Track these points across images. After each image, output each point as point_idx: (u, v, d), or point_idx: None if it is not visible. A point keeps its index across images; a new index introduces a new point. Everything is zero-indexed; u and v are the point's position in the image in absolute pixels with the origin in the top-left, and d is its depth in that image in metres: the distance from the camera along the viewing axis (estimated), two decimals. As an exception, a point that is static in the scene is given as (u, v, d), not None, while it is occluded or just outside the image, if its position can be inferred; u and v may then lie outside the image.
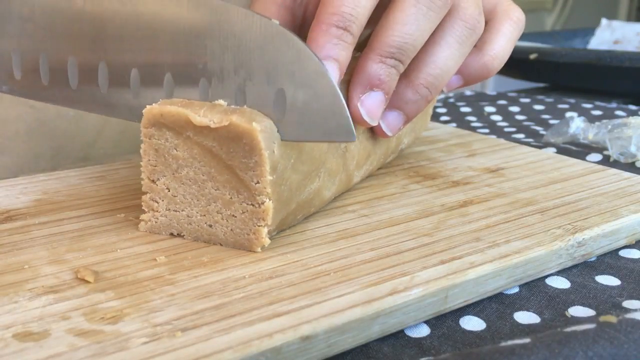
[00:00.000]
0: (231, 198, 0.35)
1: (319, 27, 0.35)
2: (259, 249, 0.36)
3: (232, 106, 0.35)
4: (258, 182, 0.34)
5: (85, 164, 0.58)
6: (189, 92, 0.36)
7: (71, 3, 0.38)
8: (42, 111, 0.57)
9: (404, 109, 0.41)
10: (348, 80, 0.39)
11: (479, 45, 0.43)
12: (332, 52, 0.35)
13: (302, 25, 0.43)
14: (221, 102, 0.35)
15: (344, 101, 0.32)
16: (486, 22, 0.43)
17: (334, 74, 0.35)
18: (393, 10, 0.38)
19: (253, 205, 0.35)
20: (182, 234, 0.37)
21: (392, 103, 0.40)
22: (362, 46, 0.39)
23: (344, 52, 0.36)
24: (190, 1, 0.35)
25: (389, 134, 0.42)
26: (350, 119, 0.32)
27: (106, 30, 0.37)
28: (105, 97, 0.38)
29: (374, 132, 0.43)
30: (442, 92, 0.44)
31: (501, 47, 0.43)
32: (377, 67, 0.37)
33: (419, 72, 0.40)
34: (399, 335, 0.32)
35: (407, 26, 0.37)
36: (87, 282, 0.32)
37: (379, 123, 0.40)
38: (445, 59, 0.40)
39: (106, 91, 0.38)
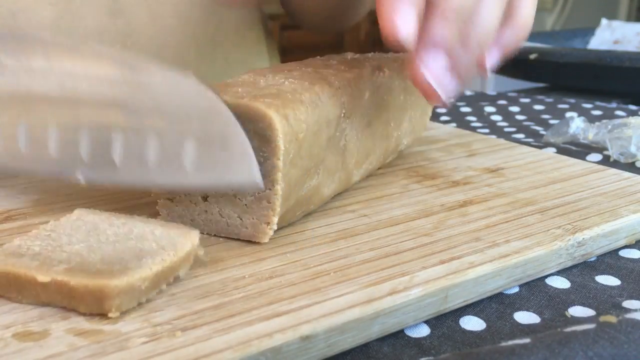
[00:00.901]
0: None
1: None
2: (266, 239, 0.36)
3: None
4: (273, 166, 0.35)
5: None
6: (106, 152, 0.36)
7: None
8: None
9: (461, 71, 0.39)
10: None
11: (507, 15, 0.42)
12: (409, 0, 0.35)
13: None
14: None
15: (253, 155, 0.33)
16: None
17: (412, 20, 0.35)
18: None
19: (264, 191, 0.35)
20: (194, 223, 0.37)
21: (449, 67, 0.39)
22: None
23: (419, 2, 0.36)
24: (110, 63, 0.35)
25: (445, 98, 0.39)
26: (258, 170, 0.34)
27: (40, 98, 0.37)
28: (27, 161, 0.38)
29: (426, 97, 0.40)
30: (486, 75, 0.43)
31: (527, 14, 0.44)
32: (441, 26, 0.37)
33: (470, 32, 0.39)
34: (399, 335, 0.32)
35: None
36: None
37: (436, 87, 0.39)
38: (490, 16, 0.39)
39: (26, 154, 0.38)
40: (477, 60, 0.41)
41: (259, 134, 0.34)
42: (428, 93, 0.38)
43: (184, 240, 0.33)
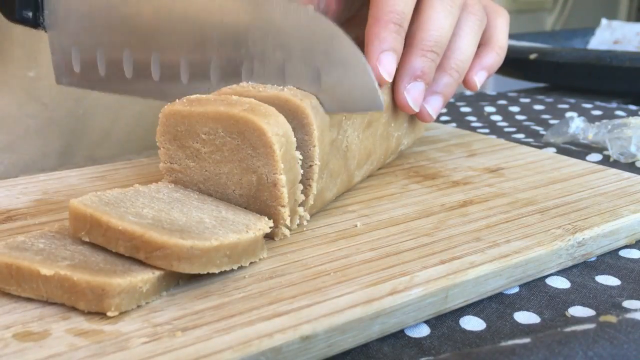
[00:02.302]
0: None
1: (379, 23, 0.41)
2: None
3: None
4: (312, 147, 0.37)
5: (92, 164, 0.58)
6: (234, 76, 0.40)
7: (125, 0, 0.42)
8: (53, 109, 0.57)
9: (443, 92, 0.47)
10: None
11: (485, 41, 0.51)
12: (393, 44, 0.41)
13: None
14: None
15: (373, 76, 0.37)
16: None
17: (393, 63, 0.41)
18: (425, 10, 0.45)
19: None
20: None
21: (432, 89, 0.47)
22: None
23: (399, 44, 0.42)
24: None
25: (434, 116, 0.48)
26: (379, 91, 0.37)
27: (157, 25, 0.41)
28: (158, 85, 0.43)
29: (417, 117, 0.48)
30: (475, 89, 0.51)
31: (503, 39, 0.52)
32: (420, 61, 0.44)
33: (449, 60, 0.47)
34: (399, 335, 0.32)
35: (439, 22, 0.44)
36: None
37: (424, 108, 0.46)
38: (467, 46, 0.48)
39: (158, 80, 0.43)
40: (465, 82, 0.50)
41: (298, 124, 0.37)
42: (409, 112, 0.45)
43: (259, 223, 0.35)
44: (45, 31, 0.46)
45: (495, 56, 0.51)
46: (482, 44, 0.51)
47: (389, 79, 0.41)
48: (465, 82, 0.50)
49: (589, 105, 0.85)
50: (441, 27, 0.44)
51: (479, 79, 0.50)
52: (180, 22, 0.41)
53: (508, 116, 0.81)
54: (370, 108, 0.38)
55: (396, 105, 0.45)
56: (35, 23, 0.45)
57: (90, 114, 0.60)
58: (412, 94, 0.44)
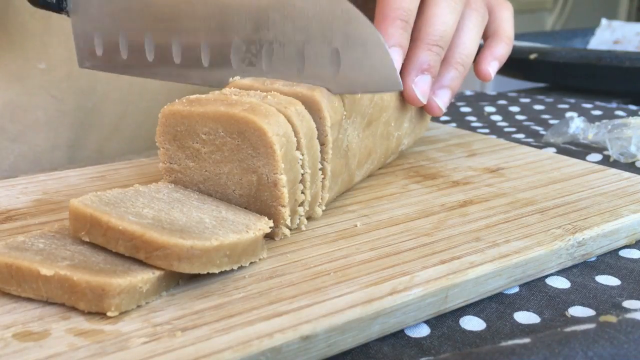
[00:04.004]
0: None
1: (386, 20, 0.43)
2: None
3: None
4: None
5: (100, 158, 0.58)
6: (255, 58, 0.41)
7: None
8: (63, 102, 0.57)
9: (450, 85, 0.49)
10: None
11: (493, 33, 0.53)
12: (399, 40, 0.43)
13: None
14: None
15: (391, 56, 0.37)
16: (488, 12, 0.52)
17: (400, 58, 0.43)
18: (430, 6, 0.46)
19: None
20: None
21: (439, 83, 0.48)
22: None
23: (406, 40, 0.43)
24: None
25: (444, 109, 0.49)
26: (397, 71, 0.38)
27: (179, 10, 0.42)
28: (180, 68, 0.43)
29: (427, 111, 0.49)
30: (489, 79, 0.52)
31: (510, 29, 0.54)
32: (426, 55, 0.45)
33: (454, 54, 0.49)
34: (399, 335, 0.32)
35: (444, 18, 0.46)
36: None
37: (433, 101, 0.48)
38: (470, 41, 0.49)
39: (180, 63, 0.43)
40: (478, 74, 0.52)
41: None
42: (417, 104, 0.47)
43: (259, 223, 0.35)
44: (68, 16, 0.46)
45: (505, 46, 0.52)
46: (490, 36, 0.53)
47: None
48: (479, 73, 0.52)
49: (589, 105, 0.85)
50: (445, 23, 0.46)
51: (492, 69, 0.52)
52: (201, 5, 0.41)
53: (508, 116, 0.81)
54: (389, 88, 0.38)
55: (404, 99, 0.46)
56: (59, 7, 0.46)
57: (98, 108, 0.60)
58: (420, 87, 0.45)
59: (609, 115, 0.80)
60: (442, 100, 0.48)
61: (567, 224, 0.40)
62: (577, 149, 0.63)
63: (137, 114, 0.63)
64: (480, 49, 0.52)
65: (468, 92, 0.94)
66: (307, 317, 0.29)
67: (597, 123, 0.64)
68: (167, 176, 0.39)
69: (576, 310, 0.34)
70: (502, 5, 0.55)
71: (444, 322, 0.33)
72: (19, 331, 0.28)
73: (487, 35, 0.53)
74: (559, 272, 0.38)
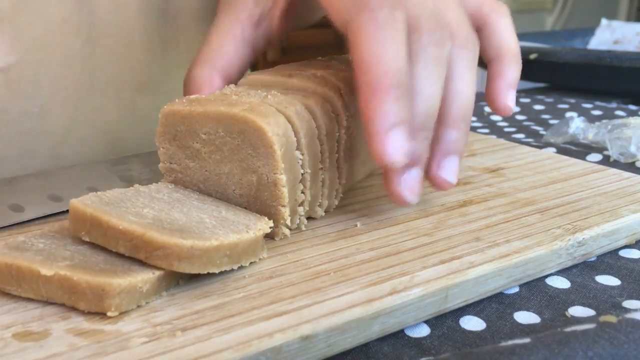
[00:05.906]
0: None
1: (377, 94, 0.34)
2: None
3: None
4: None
5: (57, 163, 0.56)
6: None
7: None
8: (5, 111, 0.54)
9: (455, 150, 0.40)
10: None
11: (497, 53, 0.43)
12: (400, 115, 0.35)
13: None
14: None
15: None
16: (482, 25, 0.43)
17: (404, 139, 0.35)
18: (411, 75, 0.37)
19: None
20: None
21: (441, 151, 0.40)
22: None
23: (406, 111, 0.35)
24: None
25: (454, 180, 0.40)
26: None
27: None
28: None
29: (436, 189, 0.41)
30: (510, 113, 0.44)
31: (514, 42, 0.44)
32: (412, 146, 0.36)
33: (451, 110, 0.39)
34: (399, 335, 0.32)
35: (425, 91, 0.37)
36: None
37: (440, 178, 0.40)
38: (466, 87, 0.40)
39: None
40: (498, 110, 0.43)
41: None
42: (400, 203, 0.39)
43: (260, 224, 0.35)
44: None
45: (515, 66, 0.44)
46: (494, 58, 0.43)
47: (404, 160, 0.35)
48: (498, 111, 0.44)
49: (589, 105, 0.85)
50: (428, 95, 0.37)
51: (511, 100, 0.43)
52: None
53: (508, 116, 0.81)
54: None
55: (389, 195, 0.39)
56: None
57: (46, 112, 0.56)
58: (409, 184, 0.38)
59: (609, 115, 0.80)
60: (450, 172, 0.40)
61: (567, 224, 0.40)
62: (577, 149, 0.63)
63: (88, 112, 0.59)
64: (487, 75, 0.44)
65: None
66: (307, 317, 0.29)
67: (597, 123, 0.64)
68: (167, 176, 0.39)
69: (576, 310, 0.34)
70: (497, 11, 0.44)
71: (444, 322, 0.33)
72: (19, 331, 0.28)
73: (489, 57, 0.43)
74: (559, 272, 0.38)
